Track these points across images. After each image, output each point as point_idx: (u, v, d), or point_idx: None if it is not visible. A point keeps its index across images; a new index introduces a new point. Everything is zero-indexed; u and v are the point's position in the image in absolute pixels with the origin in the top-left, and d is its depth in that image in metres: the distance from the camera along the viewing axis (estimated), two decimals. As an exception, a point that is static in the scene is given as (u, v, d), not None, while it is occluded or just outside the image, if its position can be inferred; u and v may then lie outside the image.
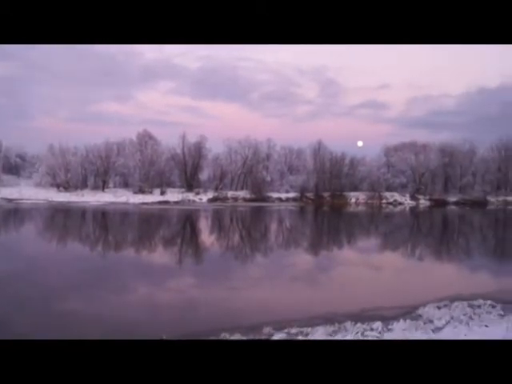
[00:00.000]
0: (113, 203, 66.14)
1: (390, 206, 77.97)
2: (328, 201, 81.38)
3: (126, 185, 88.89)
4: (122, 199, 70.66)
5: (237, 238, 38.01)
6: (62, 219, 48.89)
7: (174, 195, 77.69)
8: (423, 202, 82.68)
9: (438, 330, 12.36)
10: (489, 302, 15.52)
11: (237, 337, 10.79)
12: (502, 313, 14.31)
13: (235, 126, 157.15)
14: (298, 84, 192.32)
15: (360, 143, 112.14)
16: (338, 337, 11.15)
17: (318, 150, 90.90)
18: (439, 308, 14.74)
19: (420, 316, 13.90)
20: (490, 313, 14.39)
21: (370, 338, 11.20)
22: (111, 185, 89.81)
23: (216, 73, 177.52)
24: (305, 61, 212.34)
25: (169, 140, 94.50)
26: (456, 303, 15.22)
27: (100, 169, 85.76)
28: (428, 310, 14.36)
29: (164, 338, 9.27)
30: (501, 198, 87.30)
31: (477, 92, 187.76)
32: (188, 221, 51.12)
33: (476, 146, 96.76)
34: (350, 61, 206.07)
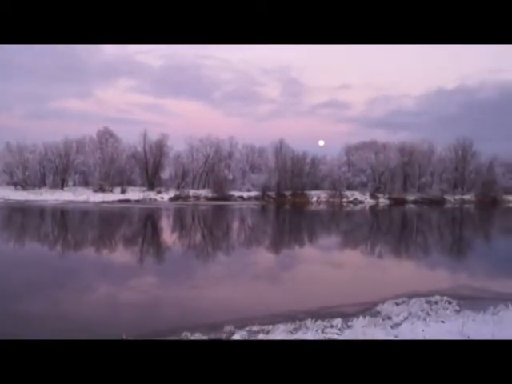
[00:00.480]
0: (72, 202, 65.12)
1: (351, 205, 79.06)
2: (289, 199, 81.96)
3: (85, 183, 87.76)
4: (82, 198, 69.65)
5: (199, 236, 37.89)
6: (19, 218, 47.84)
7: (135, 194, 77.03)
8: (383, 201, 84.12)
9: (396, 326, 12.58)
10: (445, 298, 15.92)
11: (197, 336, 10.78)
12: (458, 308, 14.69)
13: (197, 125, 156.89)
14: (261, 83, 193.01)
15: (321, 142, 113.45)
16: (299, 334, 11.26)
17: (280, 148, 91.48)
18: (397, 304, 15.03)
19: (379, 313, 14.14)
20: (447, 309, 14.75)
21: (330, 335, 11.37)
22: (71, 183, 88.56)
23: (179, 71, 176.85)
24: (268, 60, 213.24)
25: (130, 138, 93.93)
26: (414, 300, 15.55)
27: (59, 167, 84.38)
28: (387, 307, 14.62)
29: (124, 337, 9.20)
30: (457, 197, 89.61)
31: (435, 93, 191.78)
32: (149, 220, 50.72)
33: (434, 145, 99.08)
34: (313, 60, 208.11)
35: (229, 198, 79.86)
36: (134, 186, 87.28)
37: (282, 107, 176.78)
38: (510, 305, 14.65)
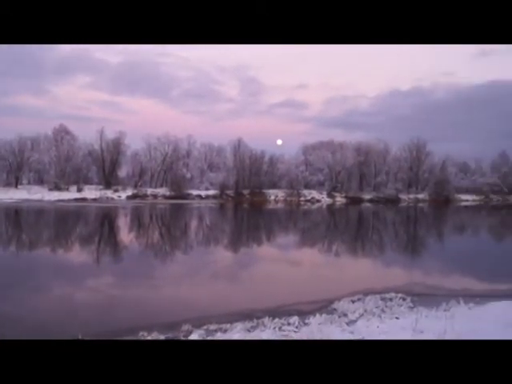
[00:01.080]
0: (27, 200, 63.58)
1: (308, 204, 79.75)
2: (248, 198, 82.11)
3: (40, 181, 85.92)
4: (37, 196, 68.15)
5: (156, 235, 37.59)
6: (-31, 217, 46.48)
7: (91, 192, 75.85)
8: (339, 200, 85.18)
9: (352, 323, 12.80)
10: (400, 294, 16.28)
11: (154, 335, 10.73)
12: (412, 305, 15.04)
13: (155, 123, 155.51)
14: (219, 82, 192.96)
15: (279, 141, 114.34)
16: (256, 332, 11.34)
17: (238, 147, 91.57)
18: (353, 302, 15.28)
19: (335, 310, 14.34)
20: (401, 305, 15.09)
21: (287, 333, 11.48)
22: (25, 181, 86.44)
23: (136, 68, 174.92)
24: (227, 59, 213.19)
25: (86, 135, 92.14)
26: (369, 297, 15.84)
27: (13, 165, 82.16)
28: (343, 304, 14.84)
29: (80, 337, 9.08)
30: (412, 196, 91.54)
31: (390, 94, 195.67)
32: (106, 218, 50.03)
33: (389, 145, 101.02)
34: (271, 60, 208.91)
35: (187, 196, 79.46)
36: (91, 184, 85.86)
37: (240, 106, 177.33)
38: (461, 301, 15.10)
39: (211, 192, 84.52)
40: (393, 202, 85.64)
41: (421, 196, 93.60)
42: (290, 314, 13.21)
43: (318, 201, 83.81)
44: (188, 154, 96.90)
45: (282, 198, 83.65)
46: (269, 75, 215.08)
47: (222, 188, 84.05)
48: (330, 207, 75.22)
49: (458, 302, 14.95)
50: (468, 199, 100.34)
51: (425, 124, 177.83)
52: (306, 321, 12.68)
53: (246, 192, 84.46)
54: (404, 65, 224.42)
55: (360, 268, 24.93)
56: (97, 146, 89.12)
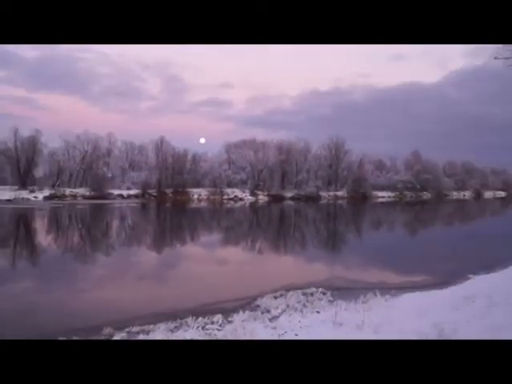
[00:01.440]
0: None
1: (231, 202, 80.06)
2: (170, 197, 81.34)
3: None
4: None
5: (76, 237, 36.54)
6: None
7: (5, 193, 72.46)
8: (262, 198, 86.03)
9: (274, 318, 13.06)
10: (320, 289, 16.77)
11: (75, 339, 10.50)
12: (332, 299, 15.54)
13: (74, 120, 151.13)
14: (141, 79, 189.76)
15: (202, 140, 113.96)
16: (180, 332, 11.35)
17: (161, 145, 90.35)
18: (276, 298, 15.59)
19: (258, 306, 14.57)
20: (321, 299, 15.54)
21: (211, 331, 11.55)
22: None
23: (54, 63, 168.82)
24: (149, 56, 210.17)
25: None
26: (291, 292, 16.21)
27: None
28: (266, 301, 15.10)
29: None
30: (332, 193, 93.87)
31: (311, 93, 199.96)
32: (22, 220, 48.04)
33: (310, 144, 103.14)
34: (194, 58, 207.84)
35: (108, 196, 77.73)
36: (5, 184, 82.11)
37: (163, 104, 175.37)
38: (378, 293, 15.75)
39: (133, 191, 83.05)
40: (313, 199, 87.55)
41: (340, 193, 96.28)
42: (214, 313, 13.30)
43: (241, 199, 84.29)
44: (108, 152, 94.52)
45: (205, 197, 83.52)
46: (193, 73, 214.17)
47: (144, 187, 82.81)
48: (252, 205, 75.83)
49: (375, 295, 15.60)
50: (384, 196, 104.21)
51: (343, 123, 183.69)
52: (230, 318, 12.82)
53: (168, 191, 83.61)
54: (324, 65, 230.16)
55: (282, 265, 25.36)
56: (11, 145, 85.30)
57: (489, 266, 21.19)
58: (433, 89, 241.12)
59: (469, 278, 19.04)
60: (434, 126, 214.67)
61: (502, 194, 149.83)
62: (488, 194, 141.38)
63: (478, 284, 17.42)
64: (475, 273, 19.78)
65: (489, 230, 47.68)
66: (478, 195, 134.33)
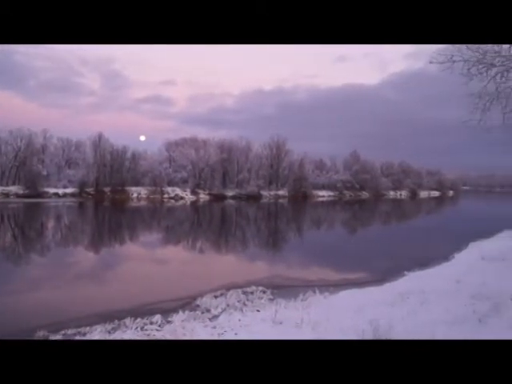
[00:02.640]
0: None
1: (172, 201, 79.35)
2: (109, 196, 79.77)
3: None
4: None
5: (9, 237, 35.21)
6: None
7: None
8: (203, 197, 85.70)
9: (214, 318, 13.06)
10: (260, 288, 16.89)
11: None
12: (272, 297, 15.69)
13: (7, 116, 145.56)
14: (80, 74, 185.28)
15: (142, 137, 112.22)
16: (118, 333, 11.15)
17: (99, 142, 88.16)
18: (216, 297, 15.58)
19: (198, 306, 14.52)
20: (262, 298, 15.66)
21: (150, 332, 11.41)
22: None
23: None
24: (89, 50, 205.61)
25: None
26: (231, 291, 16.24)
27: None
28: (206, 300, 15.06)
29: None
30: (272, 192, 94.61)
31: (254, 93, 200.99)
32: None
33: (251, 143, 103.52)
34: (136, 54, 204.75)
35: (43, 195, 75.37)
36: None
37: (102, 100, 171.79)
38: (317, 291, 16.01)
39: (70, 190, 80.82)
40: (255, 198, 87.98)
41: (281, 192, 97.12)
42: (153, 313, 13.15)
43: (182, 198, 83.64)
44: (43, 148, 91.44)
45: (145, 196, 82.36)
46: (134, 70, 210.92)
47: (82, 185, 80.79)
48: (193, 204, 75.40)
49: (314, 292, 15.86)
50: (324, 195, 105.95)
51: (286, 123, 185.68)
52: (169, 319, 12.71)
53: (107, 190, 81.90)
54: (268, 65, 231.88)
55: (223, 264, 25.36)
56: None
57: (423, 264, 21.88)
58: (373, 91, 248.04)
59: (404, 275, 19.60)
60: (373, 128, 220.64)
61: (436, 193, 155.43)
62: (423, 194, 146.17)
63: (413, 281, 17.96)
64: (410, 270, 20.38)
65: (423, 228, 49.27)
66: (413, 195, 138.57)
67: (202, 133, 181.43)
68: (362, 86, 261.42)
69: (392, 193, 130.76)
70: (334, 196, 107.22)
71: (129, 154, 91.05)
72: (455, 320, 11.39)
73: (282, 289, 17.19)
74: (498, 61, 11.47)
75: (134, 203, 73.82)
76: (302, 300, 14.88)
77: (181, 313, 13.19)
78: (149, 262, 24.91)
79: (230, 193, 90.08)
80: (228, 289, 16.58)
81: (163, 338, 10.45)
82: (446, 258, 23.25)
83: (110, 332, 11.36)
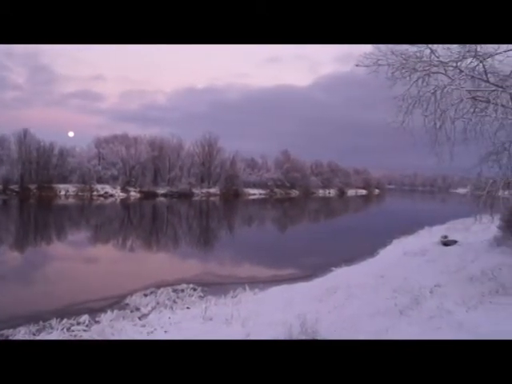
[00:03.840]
0: None
1: (101, 199, 77.68)
2: (35, 193, 77.10)
3: None
4: None
5: None
6: None
7: None
8: (134, 194, 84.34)
9: (144, 316, 13.04)
10: (191, 285, 16.97)
11: None
12: (202, 294, 15.81)
13: None
14: (5, 67, 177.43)
15: (71, 133, 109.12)
16: (43, 334, 10.94)
17: (24, 138, 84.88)
18: (146, 295, 15.53)
19: (128, 305, 14.43)
20: (192, 295, 15.76)
21: (77, 332, 11.27)
22: None
23: None
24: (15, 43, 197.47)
25: None
26: (161, 289, 16.23)
27: None
28: (135, 299, 14.99)
29: None
30: (204, 190, 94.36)
31: (187, 91, 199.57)
32: None
33: (183, 141, 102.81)
34: (65, 49, 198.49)
35: (-37, 192, 72.06)
36: None
37: (28, 95, 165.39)
38: (247, 287, 16.25)
39: (-7, 187, 77.63)
40: (186, 196, 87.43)
41: (213, 190, 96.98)
42: (81, 313, 12.95)
43: (112, 195, 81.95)
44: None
45: (73, 193, 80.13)
46: (63, 64, 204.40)
47: (6, 183, 77.62)
48: (124, 202, 74.10)
49: (245, 289, 16.09)
50: (255, 193, 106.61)
51: (218, 121, 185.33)
52: (97, 318, 12.57)
53: (33, 187, 79.09)
54: (201, 63, 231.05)
55: (154, 262, 25.22)
56: None
57: (349, 260, 22.56)
58: (304, 92, 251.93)
59: (331, 271, 20.15)
60: (304, 128, 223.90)
61: (363, 192, 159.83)
62: (351, 192, 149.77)
63: (340, 276, 18.51)
64: (337, 266, 20.96)
65: (351, 225, 50.67)
66: (341, 193, 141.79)
67: (133, 130, 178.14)
68: (293, 86, 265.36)
69: (321, 191, 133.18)
70: (265, 194, 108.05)
71: (56, 151, 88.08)
72: (378, 312, 11.90)
73: (213, 286, 17.33)
74: (420, 66, 12.00)
75: (62, 201, 71.68)
76: (232, 297, 15.09)
77: (109, 312, 13.07)
78: (77, 261, 24.37)
79: (161, 190, 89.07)
80: (158, 287, 16.55)
81: (90, 339, 10.34)
82: (371, 254, 24.03)
83: (34, 334, 11.12)
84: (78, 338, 10.73)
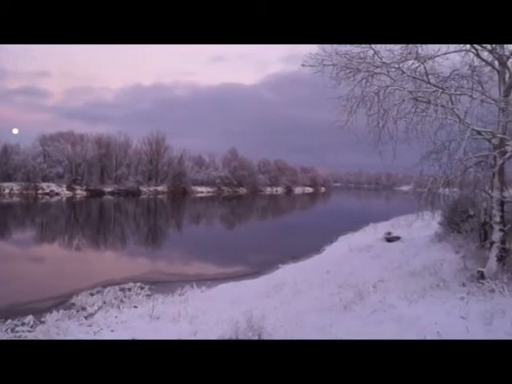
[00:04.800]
0: None
1: (47, 197, 75.80)
2: (-24, 192, 74.52)
3: None
4: None
5: None
6: None
7: None
8: (80, 193, 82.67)
9: (90, 316, 12.90)
10: (138, 284, 16.88)
11: None
12: (149, 293, 15.76)
13: None
14: None
15: (15, 130, 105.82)
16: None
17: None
18: (92, 295, 15.36)
19: (74, 305, 14.25)
20: (139, 294, 15.68)
21: (21, 333, 11.06)
22: None
23: None
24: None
25: None
26: (108, 288, 16.09)
27: None
28: (81, 298, 14.81)
29: None
30: (152, 188, 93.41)
31: (133, 88, 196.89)
32: None
33: (130, 138, 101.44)
34: (9, 44, 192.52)
35: None
36: None
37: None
38: (195, 285, 16.31)
39: None
40: (134, 194, 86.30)
41: (160, 188, 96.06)
42: (25, 314, 12.69)
43: (58, 194, 80.00)
44: None
45: (17, 192, 77.83)
46: (6, 60, 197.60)
47: None
48: (70, 200, 72.51)
49: (192, 287, 16.16)
50: (203, 191, 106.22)
51: (165, 119, 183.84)
52: (42, 319, 12.37)
53: (-27, 185, 76.52)
54: (147, 61, 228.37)
55: (101, 260, 24.92)
56: None
57: (296, 256, 22.90)
58: (251, 90, 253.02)
59: (278, 268, 20.41)
60: (251, 126, 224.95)
61: (310, 189, 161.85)
62: (298, 190, 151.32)
63: (286, 273, 18.82)
64: (284, 263, 21.25)
65: (298, 222, 51.32)
66: (288, 191, 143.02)
67: (79, 127, 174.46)
68: (241, 85, 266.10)
69: (269, 189, 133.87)
70: (212, 192, 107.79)
71: (0, 148, 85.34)
72: (323, 308, 12.20)
73: (160, 284, 17.31)
74: (363, 67, 12.33)
75: (6, 199, 69.51)
76: (179, 295, 15.11)
77: (55, 312, 12.87)
78: (22, 260, 23.79)
79: (108, 188, 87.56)
80: (105, 286, 16.39)
81: (35, 339, 10.18)
82: (317, 250, 24.45)
83: (-25, 336, 10.85)
84: (22, 338, 10.53)
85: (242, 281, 17.91)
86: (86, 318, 12.66)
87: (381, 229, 28.54)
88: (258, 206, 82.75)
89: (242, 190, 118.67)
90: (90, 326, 11.67)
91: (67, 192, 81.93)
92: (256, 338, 8.61)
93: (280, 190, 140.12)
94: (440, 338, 7.11)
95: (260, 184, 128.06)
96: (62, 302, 14.56)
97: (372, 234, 27.17)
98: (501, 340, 4.57)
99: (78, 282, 17.34)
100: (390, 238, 24.06)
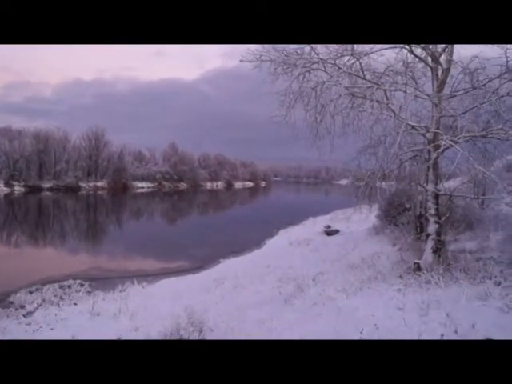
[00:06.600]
0: None
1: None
2: None
3: None
4: None
5: None
6: None
7: None
8: (18, 189, 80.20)
9: (29, 314, 12.70)
10: (78, 281, 16.69)
11: None
12: (90, 290, 15.62)
13: None
14: None
15: None
16: None
17: None
18: (31, 293, 15.09)
19: (12, 303, 13.98)
20: (79, 291, 15.51)
21: None
22: None
23: None
24: None
25: None
26: (48, 286, 15.84)
27: None
28: (20, 296, 14.54)
29: None
30: (92, 184, 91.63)
31: (73, 83, 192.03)
32: None
33: (69, 133, 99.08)
34: None
35: None
36: None
37: None
38: (135, 281, 16.24)
39: None
40: (73, 189, 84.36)
41: (100, 184, 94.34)
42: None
43: (-8, 190, 77.30)
44: None
45: (-51, 188, 74.68)
46: None
47: None
48: (7, 197, 70.16)
49: (133, 283, 16.09)
50: (143, 186, 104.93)
51: (105, 114, 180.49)
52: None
53: None
54: (87, 56, 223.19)
55: (40, 258, 24.36)
56: None
57: (237, 251, 23.12)
58: (191, 85, 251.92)
59: (219, 262, 20.59)
60: (191, 121, 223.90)
61: (250, 184, 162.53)
62: (238, 185, 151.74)
63: (227, 267, 19.04)
64: (225, 257, 21.43)
65: (238, 216, 51.61)
66: (229, 185, 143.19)
67: (16, 123, 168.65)
68: (181, 80, 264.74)
69: (209, 184, 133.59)
70: (153, 187, 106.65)
71: None
72: (264, 301, 12.45)
73: (101, 281, 17.16)
74: (301, 62, 12.57)
75: None
76: (120, 291, 15.06)
77: (-8, 311, 12.60)
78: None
79: (47, 184, 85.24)
80: (44, 283, 16.11)
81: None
82: (258, 245, 24.76)
83: None
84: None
85: (183, 276, 17.98)
86: (24, 316, 12.46)
87: (320, 222, 29.16)
88: (199, 201, 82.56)
89: (183, 185, 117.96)
90: (28, 324, 11.50)
91: (5, 188, 79.28)
92: (197, 333, 8.72)
93: (220, 184, 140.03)
94: (378, 334, 7.21)
95: (200, 179, 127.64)
96: (0, 300, 14.24)
97: (311, 227, 27.75)
98: (433, 340, 4.70)
99: (17, 280, 16.97)
100: (329, 232, 24.66)
